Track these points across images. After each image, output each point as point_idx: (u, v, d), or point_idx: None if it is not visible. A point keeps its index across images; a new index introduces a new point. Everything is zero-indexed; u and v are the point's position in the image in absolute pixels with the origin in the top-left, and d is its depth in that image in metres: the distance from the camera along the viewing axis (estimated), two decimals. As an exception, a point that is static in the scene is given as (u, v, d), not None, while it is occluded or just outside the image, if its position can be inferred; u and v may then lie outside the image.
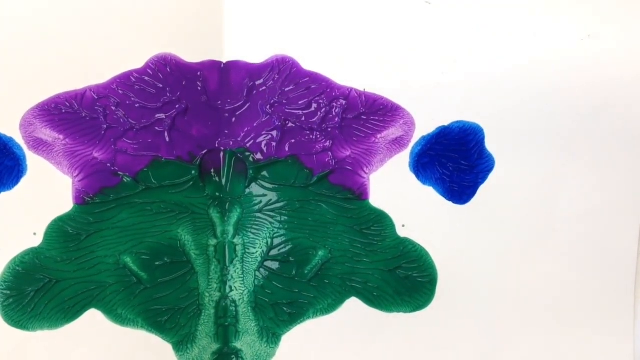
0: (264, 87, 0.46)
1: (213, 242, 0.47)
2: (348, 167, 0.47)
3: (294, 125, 0.47)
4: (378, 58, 0.47)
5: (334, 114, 0.47)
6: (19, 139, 0.45)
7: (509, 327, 0.48)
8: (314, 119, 0.47)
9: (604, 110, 0.47)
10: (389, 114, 0.47)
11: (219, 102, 0.46)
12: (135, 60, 0.46)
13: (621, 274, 0.48)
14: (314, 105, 0.47)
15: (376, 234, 0.47)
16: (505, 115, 0.47)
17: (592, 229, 0.47)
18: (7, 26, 0.45)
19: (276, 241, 0.47)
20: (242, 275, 0.47)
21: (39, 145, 0.45)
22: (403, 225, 0.47)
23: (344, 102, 0.47)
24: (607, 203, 0.47)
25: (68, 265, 0.46)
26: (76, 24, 0.45)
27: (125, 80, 0.45)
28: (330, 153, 0.47)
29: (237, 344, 0.47)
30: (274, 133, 0.47)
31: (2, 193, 0.45)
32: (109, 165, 0.46)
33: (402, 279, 0.47)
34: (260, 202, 0.47)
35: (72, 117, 0.45)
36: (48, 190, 0.46)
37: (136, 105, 0.46)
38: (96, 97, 0.45)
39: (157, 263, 0.47)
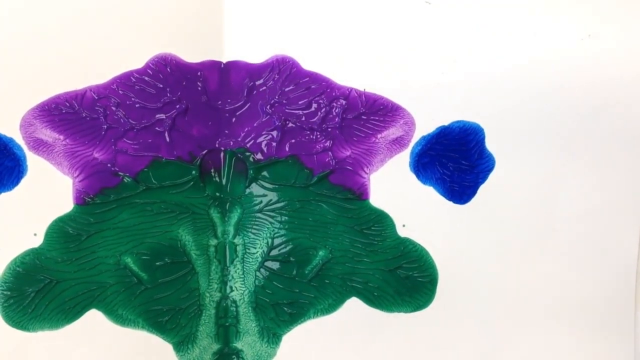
0: (264, 87, 0.46)
1: (213, 242, 0.47)
2: (348, 167, 0.47)
3: (294, 125, 0.47)
4: (378, 58, 0.47)
5: (334, 114, 0.47)
6: (19, 139, 0.45)
7: (509, 327, 0.48)
8: (314, 119, 0.47)
9: (604, 110, 0.47)
10: (389, 114, 0.47)
11: (219, 102, 0.46)
12: (135, 60, 0.46)
13: (621, 274, 0.48)
14: (314, 105, 0.47)
15: (376, 234, 0.47)
16: (505, 115, 0.47)
17: (592, 229, 0.48)
18: (7, 26, 0.45)
19: (276, 241, 0.47)
20: (242, 276, 0.47)
21: (39, 146, 0.45)
22: (403, 225, 0.48)
23: (344, 102, 0.47)
24: (607, 203, 0.47)
25: (68, 266, 0.46)
26: (76, 24, 0.45)
27: (125, 81, 0.45)
28: (330, 153, 0.47)
29: (238, 344, 0.47)
30: (274, 133, 0.47)
31: (3, 193, 0.45)
32: (109, 165, 0.46)
33: (403, 278, 0.48)
34: (261, 202, 0.47)
35: (72, 118, 0.45)
36: (48, 191, 0.46)
37: (136, 106, 0.46)
38: (96, 97, 0.45)
39: (157, 263, 0.46)
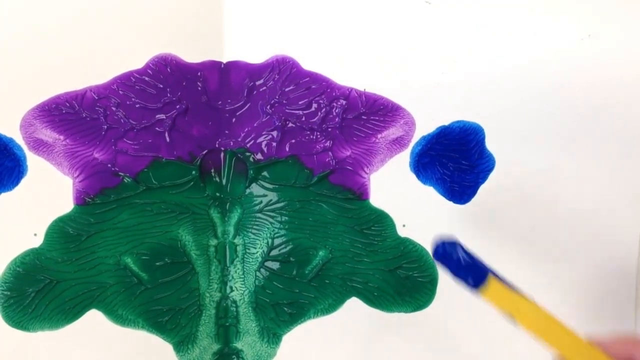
0: (264, 87, 0.46)
1: (213, 242, 0.47)
2: (348, 167, 0.47)
3: (294, 126, 0.47)
4: (378, 58, 0.47)
5: (334, 114, 0.47)
6: (19, 139, 0.45)
7: (509, 327, 0.48)
8: (314, 119, 0.47)
9: (604, 110, 0.47)
10: (389, 113, 0.47)
11: (219, 102, 0.46)
12: (136, 60, 0.46)
13: (621, 274, 0.48)
14: (314, 105, 0.47)
15: (377, 233, 0.47)
16: (505, 115, 0.47)
17: (592, 229, 0.48)
18: (7, 26, 0.45)
19: (277, 241, 0.47)
20: (242, 276, 0.47)
21: (39, 146, 0.45)
22: (404, 225, 0.48)
23: (344, 102, 0.47)
24: (607, 203, 0.47)
25: (69, 266, 0.46)
26: (76, 24, 0.45)
27: (125, 81, 0.45)
28: (330, 153, 0.47)
29: (238, 344, 0.47)
30: (274, 133, 0.47)
31: (3, 194, 0.45)
32: (109, 165, 0.46)
33: (403, 278, 0.48)
34: (261, 202, 0.47)
35: (72, 118, 0.45)
36: (48, 191, 0.46)
37: (136, 106, 0.46)
38: (96, 98, 0.45)
39: (157, 263, 0.46)
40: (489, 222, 0.48)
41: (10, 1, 0.45)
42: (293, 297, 0.47)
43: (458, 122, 0.47)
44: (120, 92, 0.45)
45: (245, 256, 0.47)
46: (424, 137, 0.47)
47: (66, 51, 0.45)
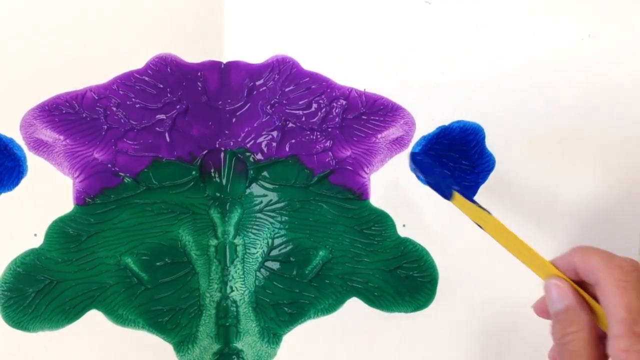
0: (264, 88, 0.46)
1: (214, 242, 0.47)
2: (348, 167, 0.47)
3: (294, 126, 0.47)
4: (378, 58, 0.47)
5: (334, 114, 0.47)
6: (19, 139, 0.45)
7: (509, 327, 0.48)
8: (314, 119, 0.47)
9: (604, 110, 0.47)
10: (389, 113, 0.47)
11: (220, 103, 0.46)
12: (136, 60, 0.46)
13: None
14: (314, 106, 0.47)
15: (377, 233, 0.47)
16: (505, 115, 0.47)
17: (592, 229, 0.48)
18: (7, 26, 0.45)
19: (277, 241, 0.47)
20: (242, 276, 0.47)
21: (39, 146, 0.45)
22: (404, 225, 0.48)
23: (344, 102, 0.47)
24: (607, 203, 0.47)
25: (69, 266, 0.46)
26: (76, 24, 0.45)
27: (125, 81, 0.45)
28: (330, 153, 0.47)
29: (238, 345, 0.47)
30: (275, 133, 0.47)
31: (3, 194, 0.45)
32: (109, 165, 0.46)
33: (403, 278, 0.48)
34: (261, 202, 0.47)
35: (72, 118, 0.45)
36: (49, 191, 0.46)
37: (137, 106, 0.46)
38: (97, 98, 0.45)
39: (157, 264, 0.46)
40: (489, 222, 0.48)
41: (10, 1, 0.45)
42: (293, 297, 0.47)
43: (458, 122, 0.47)
44: (121, 92, 0.45)
45: (246, 256, 0.47)
46: (424, 137, 0.47)
47: (66, 51, 0.45)
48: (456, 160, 0.47)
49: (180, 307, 0.47)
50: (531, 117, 0.47)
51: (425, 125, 0.47)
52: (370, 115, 0.47)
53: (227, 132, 0.46)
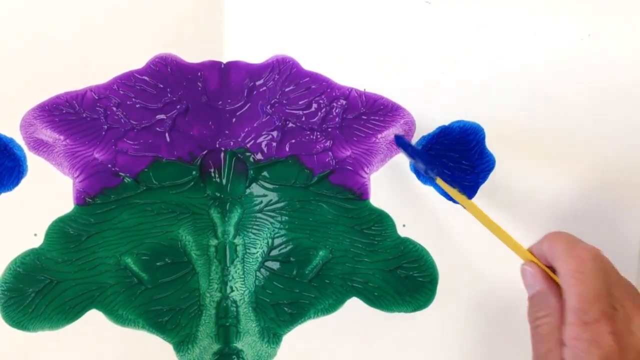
0: (264, 87, 0.46)
1: (214, 242, 0.47)
2: (348, 167, 0.47)
3: (294, 126, 0.47)
4: (378, 58, 0.47)
5: (334, 114, 0.47)
6: (19, 139, 0.45)
7: (510, 327, 0.48)
8: (314, 119, 0.47)
9: (604, 110, 0.47)
10: (389, 113, 0.47)
11: (220, 103, 0.46)
12: (136, 60, 0.46)
13: (621, 274, 0.48)
14: (314, 106, 0.47)
15: (377, 233, 0.47)
16: (506, 115, 0.47)
17: (592, 229, 0.47)
18: (7, 26, 0.45)
19: (277, 241, 0.47)
20: (242, 276, 0.47)
21: (39, 146, 0.45)
22: (404, 225, 0.48)
23: (344, 102, 0.47)
24: (607, 203, 0.47)
25: (69, 266, 0.46)
26: (76, 24, 0.45)
27: (125, 81, 0.45)
28: (330, 153, 0.47)
29: (238, 344, 0.47)
30: (275, 133, 0.47)
31: (3, 194, 0.45)
32: (109, 165, 0.46)
33: (403, 278, 0.48)
34: (261, 202, 0.47)
35: (72, 118, 0.45)
36: (49, 191, 0.46)
37: (137, 106, 0.46)
38: (97, 98, 0.45)
39: (158, 263, 0.46)
40: (489, 222, 0.48)
41: (10, 1, 0.45)
42: (293, 297, 0.47)
43: (458, 122, 0.47)
44: (121, 92, 0.45)
45: (246, 256, 0.47)
46: (424, 137, 0.47)
47: (66, 51, 0.45)
48: (456, 160, 0.47)
49: (180, 307, 0.47)
50: (531, 117, 0.47)
51: (425, 125, 0.47)
52: (370, 115, 0.47)
53: (227, 132, 0.46)
